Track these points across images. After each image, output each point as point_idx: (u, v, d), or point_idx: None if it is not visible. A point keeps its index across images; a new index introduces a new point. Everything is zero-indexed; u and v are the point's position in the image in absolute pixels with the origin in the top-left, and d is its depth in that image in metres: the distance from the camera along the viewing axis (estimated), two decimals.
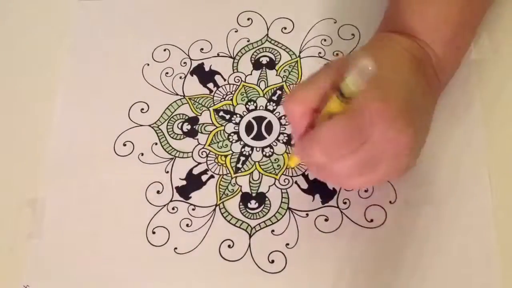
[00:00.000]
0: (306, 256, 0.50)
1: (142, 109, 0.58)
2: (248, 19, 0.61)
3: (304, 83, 0.45)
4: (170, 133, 0.56)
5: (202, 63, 0.59)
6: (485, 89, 0.52)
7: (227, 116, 0.57)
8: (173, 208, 0.53)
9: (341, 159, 0.43)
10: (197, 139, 0.56)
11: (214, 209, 0.53)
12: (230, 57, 0.59)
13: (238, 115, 0.56)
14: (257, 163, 0.54)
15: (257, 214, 0.52)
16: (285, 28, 0.60)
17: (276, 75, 0.58)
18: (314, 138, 0.43)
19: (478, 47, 0.54)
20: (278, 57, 0.58)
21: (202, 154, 0.55)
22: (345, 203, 0.51)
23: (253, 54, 0.59)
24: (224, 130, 0.56)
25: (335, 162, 0.44)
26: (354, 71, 0.39)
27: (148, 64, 0.60)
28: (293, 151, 0.53)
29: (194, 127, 0.57)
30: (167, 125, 0.57)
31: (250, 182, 0.53)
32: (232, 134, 0.56)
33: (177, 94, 0.58)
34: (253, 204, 0.52)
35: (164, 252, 0.51)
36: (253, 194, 0.53)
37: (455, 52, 0.51)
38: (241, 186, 0.53)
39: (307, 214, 0.51)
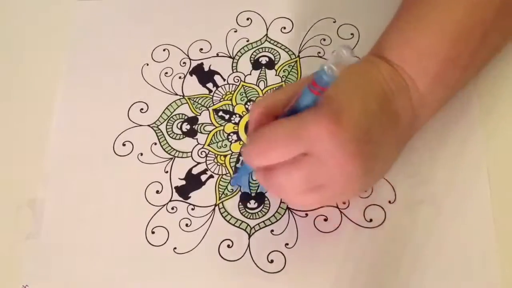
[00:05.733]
0: (305, 256, 0.50)
1: (142, 109, 0.58)
2: (248, 19, 0.61)
3: (272, 92, 0.48)
4: (169, 133, 0.56)
5: (202, 63, 0.59)
6: (483, 89, 0.52)
7: (227, 116, 0.56)
8: (172, 208, 0.53)
9: (281, 165, 0.43)
10: (197, 139, 0.56)
11: (214, 209, 0.53)
12: (230, 57, 0.59)
13: (237, 115, 0.56)
14: None
15: (256, 214, 0.52)
16: (285, 28, 0.60)
17: (276, 75, 0.57)
18: (252, 137, 0.44)
19: None
20: (277, 57, 0.58)
21: (201, 154, 0.55)
22: (344, 203, 0.51)
23: (252, 54, 0.59)
24: (223, 130, 0.56)
25: (276, 168, 0.43)
26: (331, 57, 0.39)
27: (147, 64, 0.60)
28: None
29: (194, 127, 0.57)
30: (167, 125, 0.57)
31: (249, 182, 0.53)
32: (231, 134, 0.56)
33: (176, 94, 0.58)
34: (252, 204, 0.52)
35: (164, 252, 0.51)
36: (253, 194, 0.53)
37: (440, 89, 0.49)
38: (240, 186, 0.53)
39: (306, 214, 0.51)
